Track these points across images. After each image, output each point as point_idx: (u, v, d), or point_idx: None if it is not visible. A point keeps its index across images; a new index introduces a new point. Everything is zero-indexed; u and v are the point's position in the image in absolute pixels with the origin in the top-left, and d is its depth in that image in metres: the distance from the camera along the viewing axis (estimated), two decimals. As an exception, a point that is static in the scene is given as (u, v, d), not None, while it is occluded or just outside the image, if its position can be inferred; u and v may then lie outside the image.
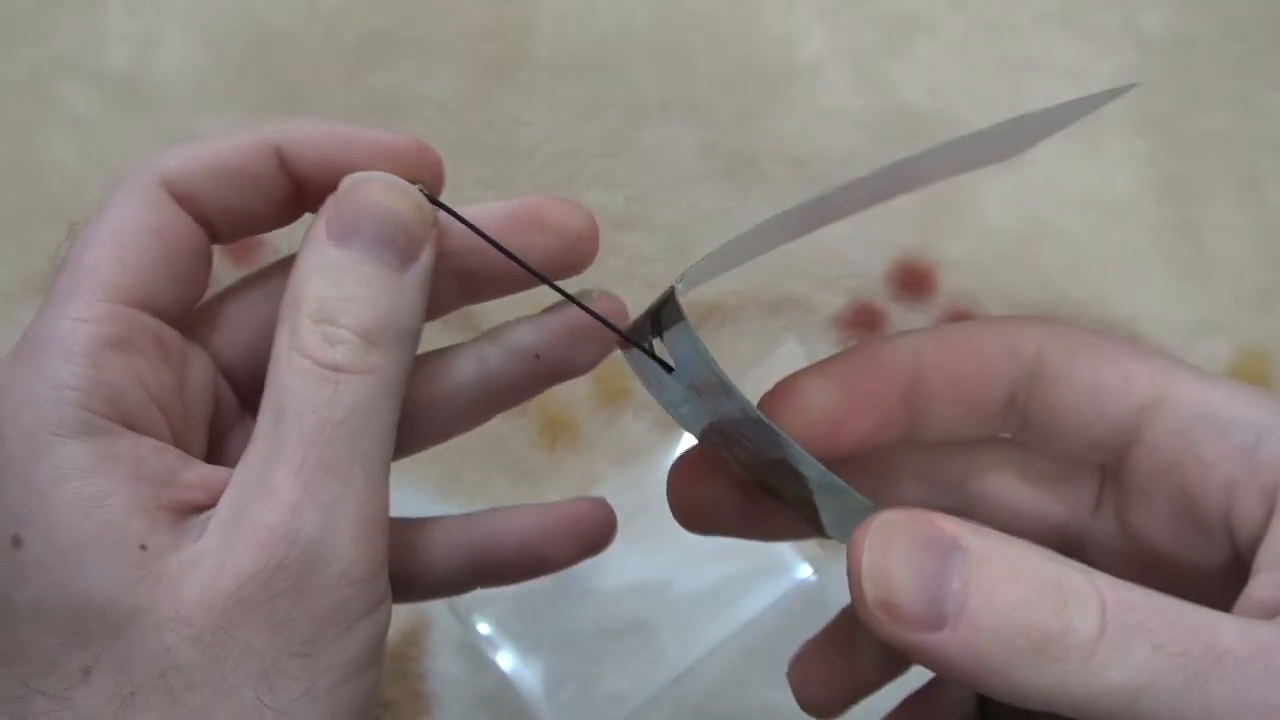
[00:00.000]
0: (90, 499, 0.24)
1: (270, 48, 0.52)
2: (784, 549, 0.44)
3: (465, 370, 0.30)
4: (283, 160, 0.27)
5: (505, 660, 0.43)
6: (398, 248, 0.26)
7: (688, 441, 0.45)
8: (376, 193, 0.27)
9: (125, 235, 0.26)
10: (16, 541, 0.23)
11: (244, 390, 0.29)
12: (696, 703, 0.44)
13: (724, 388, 0.24)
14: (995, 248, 0.49)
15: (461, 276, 0.29)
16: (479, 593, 0.44)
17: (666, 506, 0.30)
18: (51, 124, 0.51)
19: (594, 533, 0.32)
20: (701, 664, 0.43)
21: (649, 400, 0.47)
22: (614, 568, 0.44)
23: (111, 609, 0.23)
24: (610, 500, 0.33)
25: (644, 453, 0.46)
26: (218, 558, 0.24)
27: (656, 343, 0.26)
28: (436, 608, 0.45)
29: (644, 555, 0.44)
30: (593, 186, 0.50)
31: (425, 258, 0.27)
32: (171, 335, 0.27)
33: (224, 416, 0.29)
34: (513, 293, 0.30)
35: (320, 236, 0.26)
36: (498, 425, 0.48)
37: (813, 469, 0.24)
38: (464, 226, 0.28)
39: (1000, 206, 0.50)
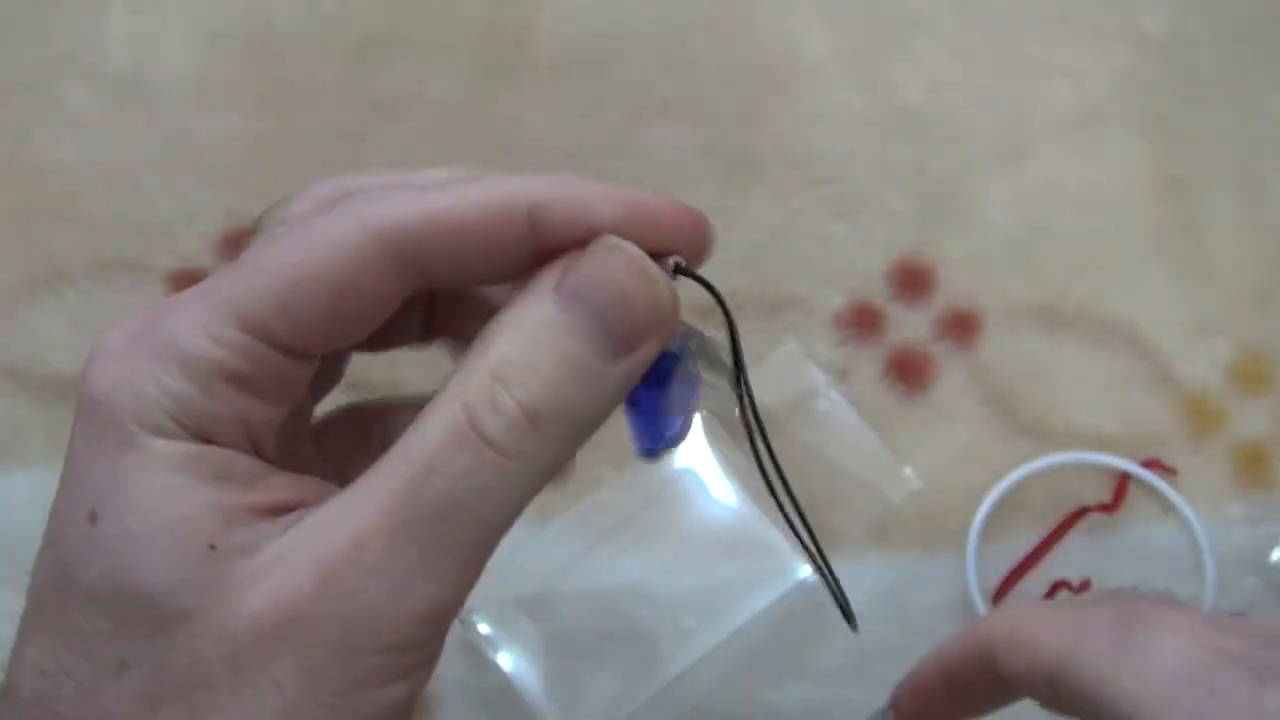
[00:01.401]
0: (168, 489, 0.23)
1: (270, 48, 0.52)
2: (784, 549, 0.44)
3: None
4: (532, 222, 0.24)
5: (505, 660, 0.43)
6: (615, 335, 0.23)
7: (688, 448, 0.45)
8: (619, 267, 0.24)
9: (302, 277, 0.23)
10: (93, 518, 0.23)
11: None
12: (696, 703, 0.44)
13: None
14: (995, 248, 0.49)
15: None
16: (479, 593, 0.44)
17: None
18: (51, 124, 0.51)
19: None
20: (701, 664, 0.43)
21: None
22: (614, 568, 0.44)
23: (164, 605, 0.22)
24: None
25: (644, 453, 0.46)
26: (279, 582, 0.22)
27: None
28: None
29: (643, 556, 0.44)
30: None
31: (642, 354, 0.24)
32: (300, 375, 0.25)
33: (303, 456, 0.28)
34: None
35: (544, 289, 0.23)
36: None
37: None
38: None
39: (1000, 206, 0.50)
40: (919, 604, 0.45)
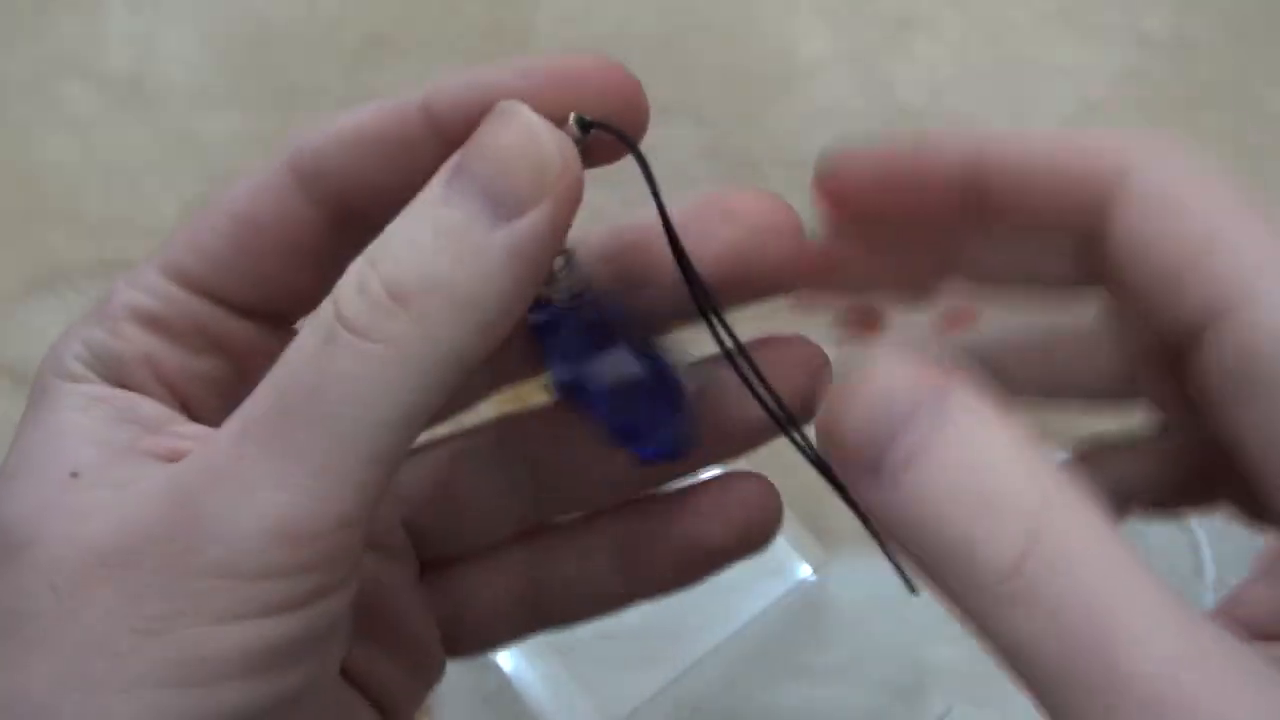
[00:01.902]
0: (59, 427, 0.22)
1: (270, 48, 0.52)
2: (784, 549, 0.44)
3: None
4: (429, 111, 0.22)
5: (505, 660, 0.43)
6: (494, 198, 0.20)
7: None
8: (500, 129, 0.21)
9: (209, 210, 0.23)
10: (1, 471, 0.22)
11: None
12: (696, 703, 0.44)
13: None
14: (995, 248, 0.49)
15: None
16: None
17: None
18: (51, 124, 0.51)
19: None
20: (701, 664, 0.43)
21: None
22: (614, 568, 0.44)
23: (13, 533, 0.20)
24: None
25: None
26: (128, 508, 0.20)
27: None
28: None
29: (644, 555, 0.44)
30: (593, 186, 0.50)
31: (532, 220, 0.20)
32: (229, 328, 0.23)
33: None
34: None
35: (439, 173, 0.21)
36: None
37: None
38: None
39: (1000, 206, 0.50)
40: (919, 604, 0.45)
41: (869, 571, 0.38)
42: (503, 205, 0.20)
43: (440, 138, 0.22)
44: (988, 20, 0.52)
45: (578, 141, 0.22)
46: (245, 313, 0.24)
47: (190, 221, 0.23)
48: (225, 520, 0.19)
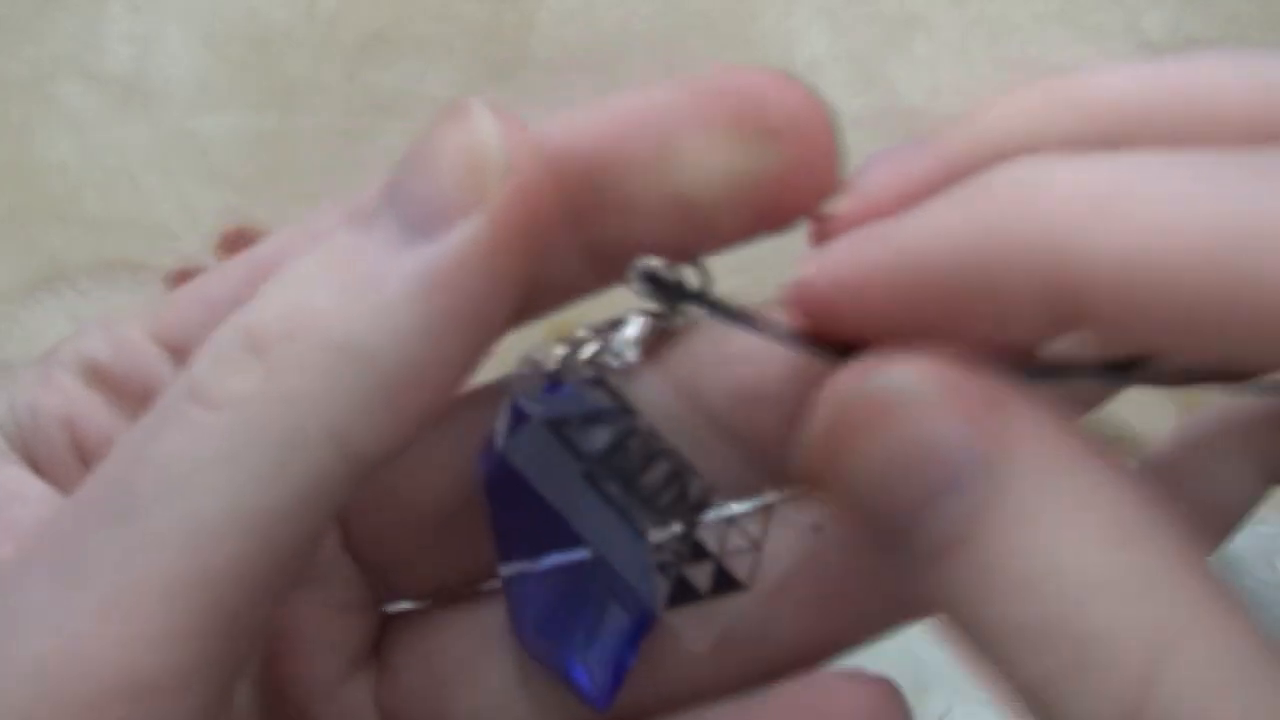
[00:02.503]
0: None
1: (270, 48, 0.52)
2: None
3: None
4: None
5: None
6: (404, 213, 0.14)
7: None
8: (433, 128, 0.15)
9: (245, 263, 0.19)
10: None
11: None
12: (696, 703, 0.44)
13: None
14: (995, 248, 0.49)
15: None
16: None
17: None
18: (51, 124, 0.51)
19: None
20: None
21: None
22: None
23: None
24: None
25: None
26: None
27: None
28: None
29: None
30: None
31: (455, 238, 0.14)
32: None
33: None
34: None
35: None
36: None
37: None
38: None
39: (1000, 206, 0.50)
40: (919, 604, 0.45)
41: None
42: (414, 216, 0.14)
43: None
44: (988, 20, 0.52)
45: (660, 314, 0.14)
46: None
47: (213, 270, 0.19)
48: None
